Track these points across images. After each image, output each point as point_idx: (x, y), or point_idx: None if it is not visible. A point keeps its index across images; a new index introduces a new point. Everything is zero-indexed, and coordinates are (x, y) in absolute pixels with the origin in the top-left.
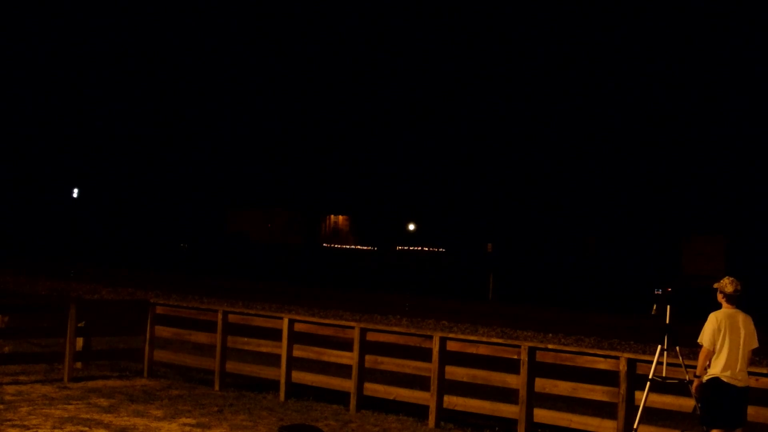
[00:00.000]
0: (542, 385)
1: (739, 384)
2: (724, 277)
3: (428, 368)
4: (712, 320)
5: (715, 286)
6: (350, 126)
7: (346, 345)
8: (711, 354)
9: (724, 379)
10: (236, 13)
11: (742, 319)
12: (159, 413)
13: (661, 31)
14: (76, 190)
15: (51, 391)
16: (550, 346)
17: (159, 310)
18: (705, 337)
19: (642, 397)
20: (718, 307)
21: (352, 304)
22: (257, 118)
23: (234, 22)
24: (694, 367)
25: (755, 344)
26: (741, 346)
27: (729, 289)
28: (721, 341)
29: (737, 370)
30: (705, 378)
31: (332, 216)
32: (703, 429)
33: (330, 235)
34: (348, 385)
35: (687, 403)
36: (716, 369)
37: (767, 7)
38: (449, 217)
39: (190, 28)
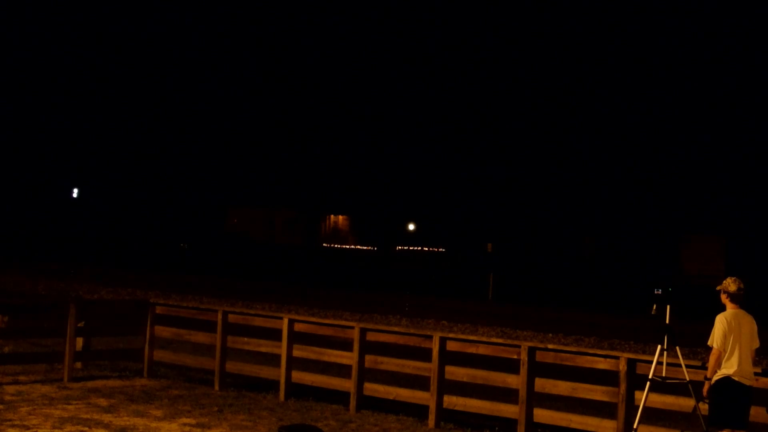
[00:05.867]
0: (542, 385)
1: (748, 383)
2: (727, 277)
3: (428, 368)
4: (722, 321)
5: (718, 288)
6: (350, 126)
7: (346, 345)
8: (722, 355)
9: (736, 379)
10: (238, 12)
11: (747, 319)
12: (159, 413)
13: (660, 30)
14: (76, 190)
15: (51, 391)
16: (549, 346)
17: (159, 310)
18: (716, 339)
19: (642, 397)
20: (720, 307)
21: (352, 304)
22: (257, 118)
23: (235, 20)
24: (694, 367)
25: (757, 344)
26: (748, 346)
27: (732, 288)
28: (732, 342)
29: (746, 369)
30: (715, 379)
31: (332, 216)
32: (707, 430)
33: (330, 235)
34: (348, 385)
35: (687, 403)
36: (727, 369)
37: (766, 7)
38: (449, 217)
39: (191, 26)
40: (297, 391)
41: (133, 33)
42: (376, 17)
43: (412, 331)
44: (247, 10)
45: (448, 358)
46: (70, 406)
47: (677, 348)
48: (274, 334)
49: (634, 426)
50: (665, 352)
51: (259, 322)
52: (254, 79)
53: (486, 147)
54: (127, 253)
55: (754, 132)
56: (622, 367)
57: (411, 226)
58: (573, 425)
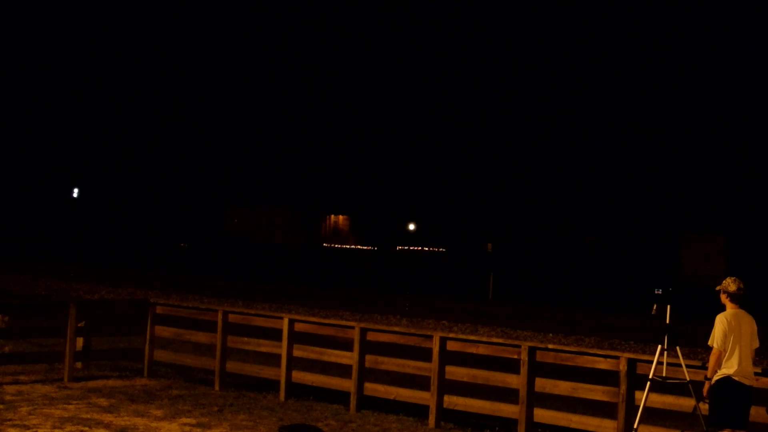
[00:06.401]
0: (542, 384)
1: (748, 383)
2: (726, 277)
3: (428, 368)
4: (722, 321)
5: (718, 288)
6: (350, 126)
7: (346, 345)
8: (722, 355)
9: (736, 379)
10: (239, 12)
11: (747, 319)
12: (159, 413)
13: (661, 30)
14: (76, 190)
15: (51, 390)
16: (550, 346)
17: (159, 310)
18: (716, 339)
19: (642, 397)
20: (720, 307)
21: (352, 303)
22: (257, 118)
23: (236, 20)
24: (694, 367)
25: (757, 344)
26: (748, 346)
27: (732, 287)
28: (732, 342)
29: (746, 369)
30: (715, 378)
31: (332, 216)
32: (707, 430)
33: (330, 235)
34: (348, 385)
35: (687, 403)
36: (727, 369)
37: (767, 7)
38: (449, 217)
39: (191, 26)
40: (297, 391)
41: (134, 33)
42: (377, 17)
43: (412, 331)
44: (247, 10)
45: (448, 358)
46: (70, 406)
47: (677, 348)
48: (275, 334)
49: (635, 426)
50: (665, 352)
51: (259, 322)
52: (255, 79)
53: (486, 147)
54: (128, 253)
55: (754, 131)
56: (623, 367)
57: (411, 226)
58: (573, 425)
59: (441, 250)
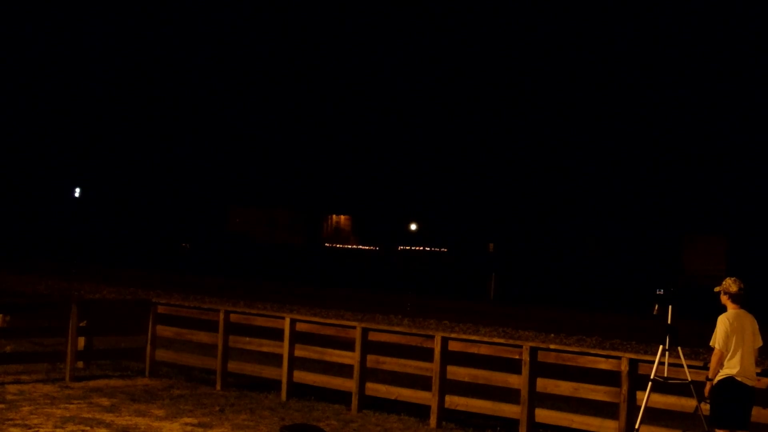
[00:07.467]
0: (544, 385)
1: (750, 383)
2: (726, 278)
3: (430, 368)
4: (724, 322)
5: (717, 289)
6: (352, 125)
7: (347, 345)
8: (724, 356)
9: (739, 379)
10: (239, 11)
11: (749, 319)
12: (160, 413)
13: (661, 30)
14: (77, 190)
15: (53, 390)
16: (551, 346)
17: (161, 309)
18: (718, 340)
19: (644, 398)
20: (721, 308)
21: (353, 303)
22: (258, 118)
23: (237, 20)
24: (696, 367)
25: (760, 343)
26: (750, 346)
27: (733, 288)
28: (735, 342)
29: (749, 369)
30: (717, 379)
31: (334, 216)
32: (708, 430)
33: (332, 235)
34: (350, 384)
35: (689, 404)
36: (730, 369)
37: (767, 7)
38: (451, 217)
39: (192, 26)
40: (299, 390)
41: (134, 32)
42: (378, 15)
43: (413, 331)
44: (248, 8)
45: (449, 358)
46: (71, 406)
47: (679, 348)
48: (276, 334)
49: (636, 426)
50: (667, 353)
51: (260, 321)
52: (256, 79)
53: (488, 147)
54: (129, 253)
55: (756, 131)
56: (624, 367)
57: (413, 226)
58: (575, 425)
59: (443, 250)
